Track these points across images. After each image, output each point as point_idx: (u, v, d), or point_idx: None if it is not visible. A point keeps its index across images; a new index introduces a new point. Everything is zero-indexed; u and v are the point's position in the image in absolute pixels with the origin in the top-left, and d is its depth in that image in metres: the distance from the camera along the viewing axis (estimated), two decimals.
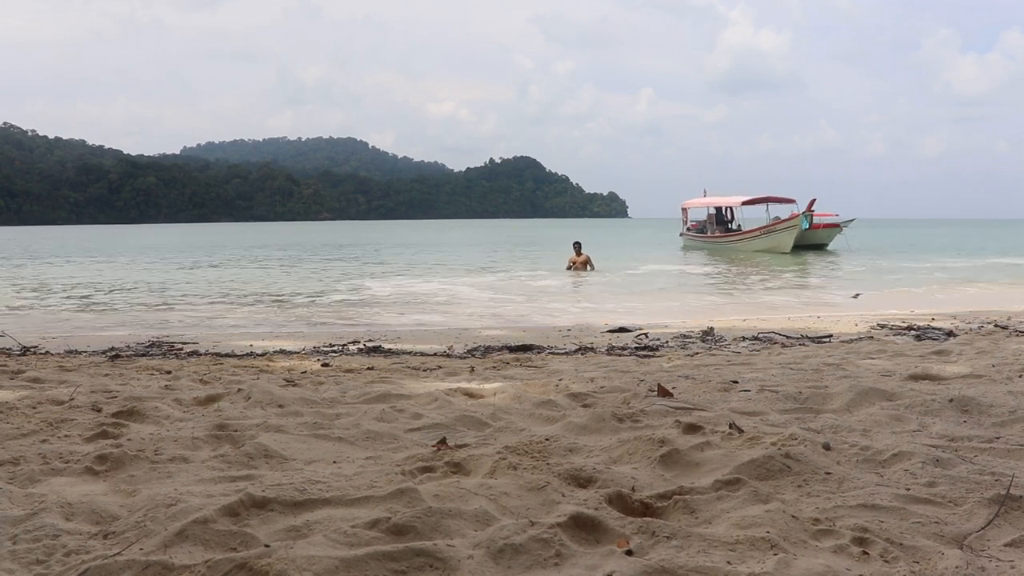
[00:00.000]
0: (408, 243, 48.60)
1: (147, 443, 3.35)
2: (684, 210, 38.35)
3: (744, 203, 33.57)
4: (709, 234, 35.13)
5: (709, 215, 36.11)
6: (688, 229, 37.33)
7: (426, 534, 2.23)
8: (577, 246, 22.40)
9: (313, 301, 15.09)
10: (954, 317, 10.65)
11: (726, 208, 35.42)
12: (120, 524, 2.35)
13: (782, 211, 33.06)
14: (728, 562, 2.05)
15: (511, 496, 2.55)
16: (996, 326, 9.21)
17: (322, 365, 6.67)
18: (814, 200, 30.60)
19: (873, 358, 6.49)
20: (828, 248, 31.79)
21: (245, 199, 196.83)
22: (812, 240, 31.05)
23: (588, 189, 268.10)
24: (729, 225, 35.23)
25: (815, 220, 31.93)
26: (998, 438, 3.31)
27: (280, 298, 15.68)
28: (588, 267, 21.75)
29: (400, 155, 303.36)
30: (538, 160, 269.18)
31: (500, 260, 29.54)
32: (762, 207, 33.98)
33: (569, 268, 21.87)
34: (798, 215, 30.13)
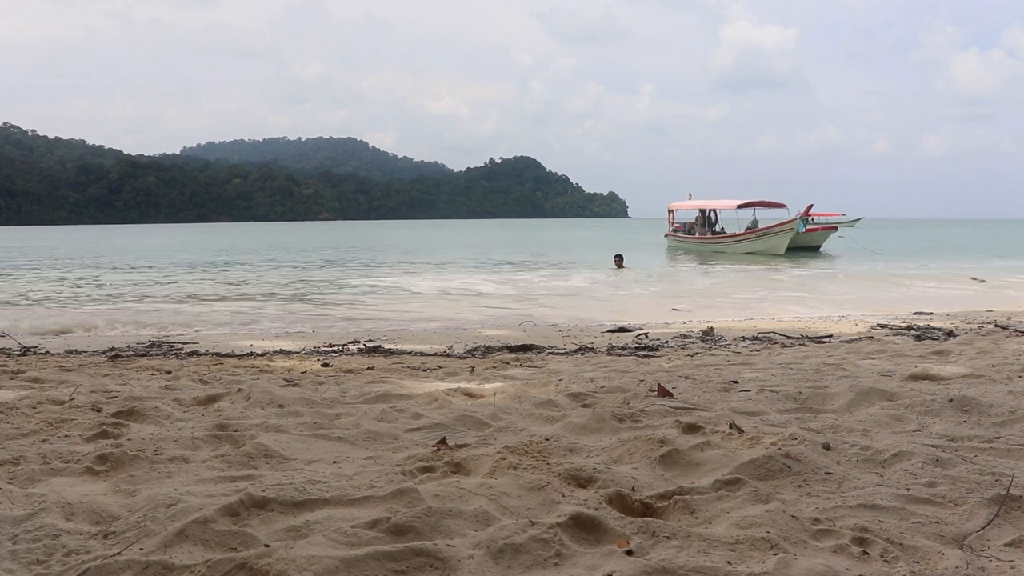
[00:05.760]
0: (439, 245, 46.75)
1: (147, 443, 3.35)
2: (671, 212, 38.69)
3: (740, 206, 33.76)
4: (698, 236, 35.37)
5: (697, 217, 36.39)
6: (674, 231, 37.55)
7: (426, 534, 2.23)
8: (619, 259, 23.25)
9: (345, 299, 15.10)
10: (954, 317, 10.65)
11: (710, 210, 35.80)
12: (120, 524, 2.35)
13: (771, 216, 33.41)
14: (728, 562, 2.05)
15: (511, 496, 2.55)
16: (996, 326, 9.21)
17: (322, 365, 6.67)
18: (811, 206, 31.34)
19: (873, 358, 6.49)
20: (820, 251, 32.06)
21: (245, 199, 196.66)
22: (805, 243, 31.46)
23: (588, 189, 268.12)
24: (714, 228, 35.58)
25: (818, 220, 32.35)
26: (998, 438, 3.31)
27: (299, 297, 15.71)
28: None
29: (400, 155, 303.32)
30: (538, 160, 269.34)
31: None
32: (748, 211, 34.22)
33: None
34: (795, 219, 30.60)
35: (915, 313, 11.46)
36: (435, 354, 7.52)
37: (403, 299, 15.43)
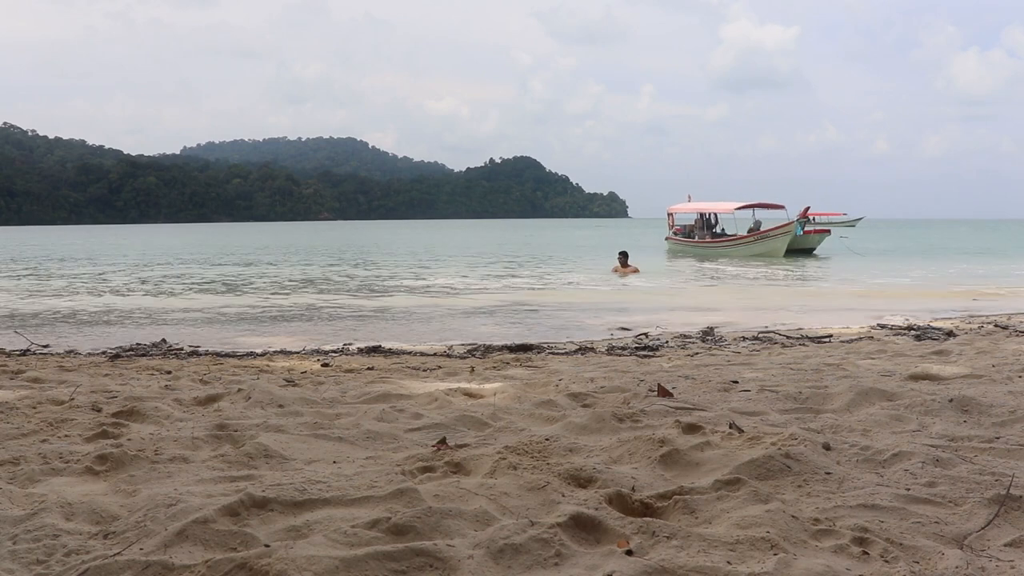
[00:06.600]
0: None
1: (147, 443, 3.35)
2: (670, 215, 38.70)
3: (738, 208, 33.80)
4: (697, 239, 35.39)
5: (697, 220, 36.39)
6: (675, 233, 37.59)
7: (426, 534, 2.23)
8: (623, 256, 22.26)
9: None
10: (954, 317, 10.65)
11: (710, 213, 35.82)
12: (120, 524, 2.35)
13: (770, 217, 33.47)
14: (728, 562, 2.05)
15: (511, 496, 2.55)
16: (996, 326, 9.21)
17: (322, 365, 6.67)
18: (808, 207, 31.47)
19: (873, 358, 6.49)
20: (815, 253, 32.17)
21: (245, 199, 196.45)
22: (801, 245, 31.60)
23: (588, 189, 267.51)
24: (714, 230, 35.61)
25: (819, 220, 32.51)
26: (998, 438, 3.31)
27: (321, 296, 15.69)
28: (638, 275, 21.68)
29: (400, 155, 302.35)
30: (538, 160, 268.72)
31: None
32: (746, 213, 34.23)
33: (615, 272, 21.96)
34: (793, 222, 30.71)
35: (915, 313, 11.46)
36: (435, 354, 7.52)
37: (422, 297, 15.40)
